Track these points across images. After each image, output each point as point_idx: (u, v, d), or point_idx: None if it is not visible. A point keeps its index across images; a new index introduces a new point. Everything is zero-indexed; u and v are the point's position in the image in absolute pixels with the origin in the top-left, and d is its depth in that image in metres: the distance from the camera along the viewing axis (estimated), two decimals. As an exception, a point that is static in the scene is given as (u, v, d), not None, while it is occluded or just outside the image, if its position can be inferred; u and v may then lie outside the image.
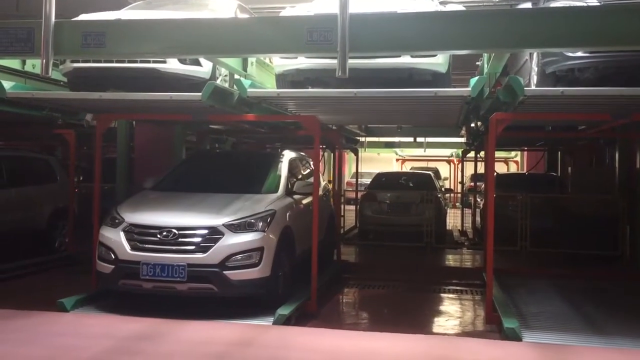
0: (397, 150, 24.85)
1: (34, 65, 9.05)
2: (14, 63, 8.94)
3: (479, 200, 14.18)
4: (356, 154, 15.44)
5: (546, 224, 11.08)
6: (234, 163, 8.56)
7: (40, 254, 9.36)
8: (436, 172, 21.98)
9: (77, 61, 7.24)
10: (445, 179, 26.35)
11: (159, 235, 6.36)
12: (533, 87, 6.53)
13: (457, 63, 7.79)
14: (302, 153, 9.54)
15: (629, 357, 5.39)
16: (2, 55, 5.66)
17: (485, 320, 6.63)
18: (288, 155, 8.44)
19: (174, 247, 6.32)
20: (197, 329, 5.95)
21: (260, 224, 6.55)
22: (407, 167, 27.07)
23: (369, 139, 16.71)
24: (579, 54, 5.92)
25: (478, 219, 13.69)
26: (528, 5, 6.89)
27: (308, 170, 9.03)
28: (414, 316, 6.95)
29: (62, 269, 9.15)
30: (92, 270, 7.10)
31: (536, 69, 6.59)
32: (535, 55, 6.65)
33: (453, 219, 16.12)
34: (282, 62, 7.08)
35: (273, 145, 14.56)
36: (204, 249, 6.28)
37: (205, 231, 6.36)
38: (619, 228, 10.29)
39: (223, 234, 6.34)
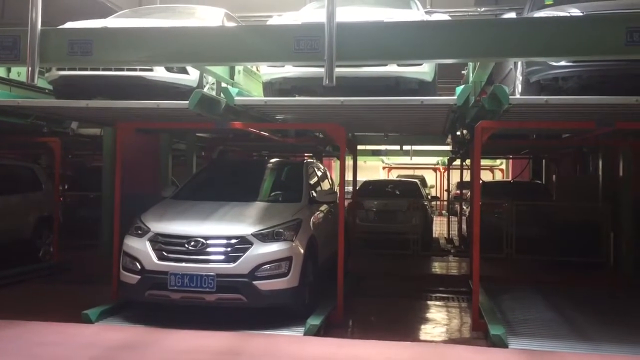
0: (384, 158, 24.91)
1: (19, 73, 8.99)
2: (-2, 71, 8.89)
3: (464, 207, 14.26)
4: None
5: (531, 231, 11.16)
6: (254, 171, 8.49)
7: (25, 263, 9.25)
8: (422, 180, 22.09)
9: (63, 69, 7.21)
10: (432, 186, 26.48)
11: (186, 245, 6.26)
12: (518, 96, 6.60)
13: (442, 72, 7.86)
14: (314, 161, 9.59)
15: (613, 363, 5.44)
16: (-13, 63, 5.63)
17: (471, 327, 6.65)
18: (308, 163, 8.45)
19: (202, 257, 6.22)
20: (184, 337, 5.91)
21: (288, 233, 6.49)
22: (393, 175, 27.16)
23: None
24: (563, 63, 6.00)
25: (464, 226, 13.76)
26: (512, 15, 6.98)
27: (324, 178, 9.02)
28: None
29: (47, 278, 9.05)
30: (107, 281, 7.04)
31: (520, 77, 6.67)
32: (519, 64, 6.73)
33: (439, 227, 16.19)
34: (269, 71, 7.10)
35: (259, 152, 14.59)
36: (233, 259, 6.19)
37: (234, 241, 6.28)
38: (603, 235, 10.39)
39: (252, 244, 6.26)
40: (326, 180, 9.16)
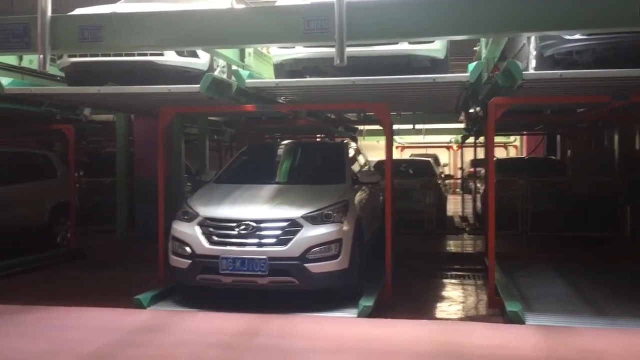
0: (397, 137, 24.78)
1: (31, 60, 9.03)
2: (10, 59, 8.93)
3: (479, 185, 14.21)
4: (355, 142, 15.43)
5: (547, 207, 11.10)
6: (293, 154, 8.42)
7: (43, 250, 9.37)
8: (436, 158, 21.97)
9: (74, 56, 7.23)
10: (445, 165, 26.32)
11: (237, 229, 6.26)
12: (531, 71, 6.52)
13: (454, 49, 7.78)
14: (351, 141, 9.53)
15: (632, 337, 5.42)
16: (-2, 51, 5.65)
17: (487, 305, 6.65)
18: (347, 144, 8.42)
19: (253, 241, 6.21)
20: (203, 319, 5.99)
21: (336, 215, 6.45)
22: (406, 155, 27.05)
23: (367, 127, 16.70)
24: (577, 36, 5.92)
25: (478, 204, 13.72)
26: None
27: (362, 159, 8.97)
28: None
29: (65, 264, 9.18)
30: (162, 265, 7.03)
31: (534, 52, 6.58)
32: (533, 38, 6.63)
33: (453, 205, 16.15)
34: (279, 52, 7.07)
35: (272, 135, 14.59)
36: (284, 242, 6.17)
37: (285, 223, 6.26)
38: (618, 210, 10.31)
39: (302, 226, 6.24)
40: (363, 161, 9.08)
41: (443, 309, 6.74)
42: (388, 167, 7.11)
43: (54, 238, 10.01)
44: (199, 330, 5.63)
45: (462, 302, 6.98)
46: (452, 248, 11.21)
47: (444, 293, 7.49)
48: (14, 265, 8.38)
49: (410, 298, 7.06)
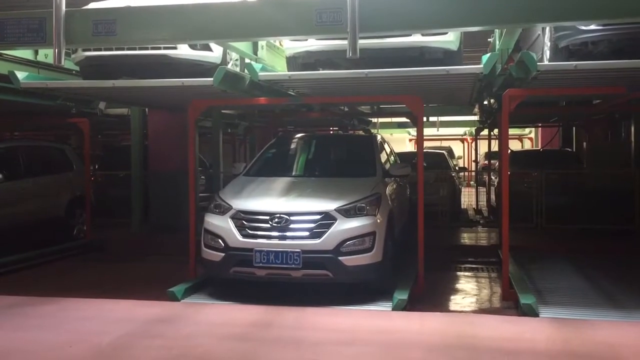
0: (410, 130, 24.72)
1: (46, 55, 9.10)
2: (26, 53, 9.01)
3: (493, 178, 14.13)
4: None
5: (562, 200, 11.02)
6: (322, 146, 8.37)
7: (59, 242, 9.48)
8: (450, 151, 21.89)
9: (89, 50, 7.28)
10: (459, 157, 26.24)
11: (270, 222, 6.25)
12: (546, 62, 6.46)
13: (468, 40, 7.72)
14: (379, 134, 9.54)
15: (647, 330, 5.38)
16: (15, 45, 5.71)
17: (501, 297, 6.64)
18: (375, 136, 8.44)
19: (287, 234, 6.21)
20: (217, 311, 6.04)
21: (370, 208, 6.42)
22: (420, 147, 26.92)
23: (381, 119, 16.67)
24: (592, 27, 5.85)
25: (493, 197, 13.66)
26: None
27: (390, 152, 8.95)
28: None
29: (82, 257, 9.27)
30: (191, 259, 7.08)
31: (549, 43, 6.52)
32: (547, 29, 6.57)
33: (468, 198, 16.07)
34: (292, 45, 7.07)
35: (285, 128, 14.59)
36: (318, 235, 6.15)
37: (318, 216, 6.23)
38: (635, 202, 10.21)
39: (336, 219, 6.21)
40: (391, 154, 9.02)
41: (457, 302, 6.73)
42: (420, 160, 7.05)
43: (71, 231, 10.12)
44: (213, 322, 5.68)
45: (476, 295, 6.97)
46: (466, 241, 11.15)
47: (458, 285, 7.47)
48: (30, 258, 8.49)
49: (430, 290, 7.03)
